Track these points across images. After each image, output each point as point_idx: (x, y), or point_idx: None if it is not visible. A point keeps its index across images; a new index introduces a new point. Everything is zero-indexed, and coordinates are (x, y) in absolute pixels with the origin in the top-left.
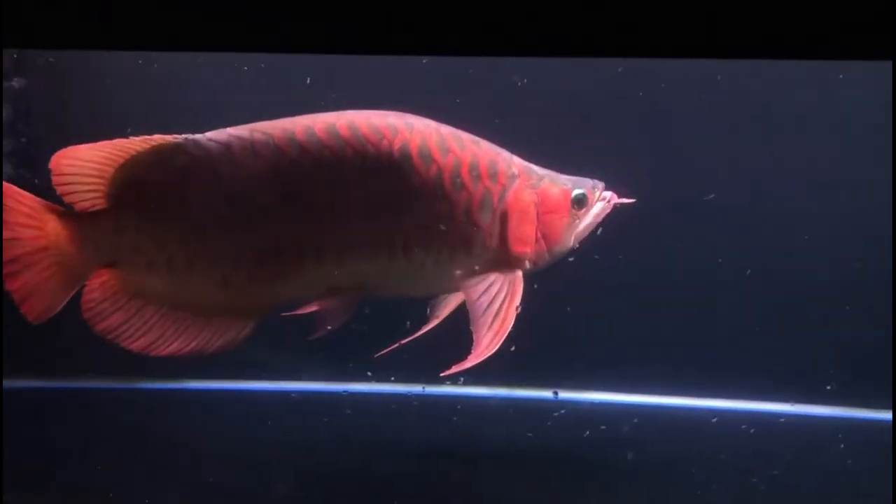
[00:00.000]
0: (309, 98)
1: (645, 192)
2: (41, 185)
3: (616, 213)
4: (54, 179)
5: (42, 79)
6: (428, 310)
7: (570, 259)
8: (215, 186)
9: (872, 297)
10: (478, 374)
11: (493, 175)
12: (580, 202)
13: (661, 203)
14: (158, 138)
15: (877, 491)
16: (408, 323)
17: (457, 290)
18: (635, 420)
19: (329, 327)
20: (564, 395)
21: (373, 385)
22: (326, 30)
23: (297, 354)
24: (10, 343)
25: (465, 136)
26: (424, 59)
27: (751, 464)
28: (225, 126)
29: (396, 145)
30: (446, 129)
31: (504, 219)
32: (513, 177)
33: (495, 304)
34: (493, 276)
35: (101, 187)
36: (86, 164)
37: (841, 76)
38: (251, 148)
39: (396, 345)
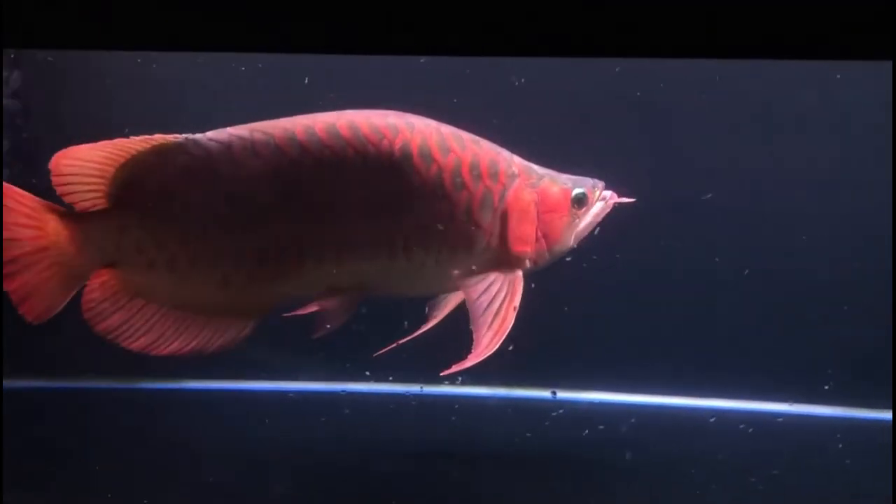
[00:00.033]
0: (307, 98)
1: (643, 192)
2: (39, 185)
3: (614, 212)
4: (54, 180)
5: (40, 77)
6: (427, 309)
7: (568, 259)
8: (216, 186)
9: (871, 297)
10: (476, 374)
11: (494, 174)
12: (580, 201)
13: (660, 203)
14: (159, 138)
15: (875, 491)
16: (406, 323)
17: (457, 289)
18: (633, 420)
19: (329, 327)
20: (563, 394)
21: (371, 385)
22: (326, 30)
23: (296, 354)
24: (9, 343)
25: (466, 136)
26: (422, 59)
27: (749, 463)
28: (223, 126)
29: (397, 145)
30: (447, 129)
31: (504, 218)
32: (513, 176)
33: (495, 303)
34: (493, 276)
35: (102, 187)
36: (86, 163)
37: (839, 76)
38: (252, 148)
39: (395, 344)
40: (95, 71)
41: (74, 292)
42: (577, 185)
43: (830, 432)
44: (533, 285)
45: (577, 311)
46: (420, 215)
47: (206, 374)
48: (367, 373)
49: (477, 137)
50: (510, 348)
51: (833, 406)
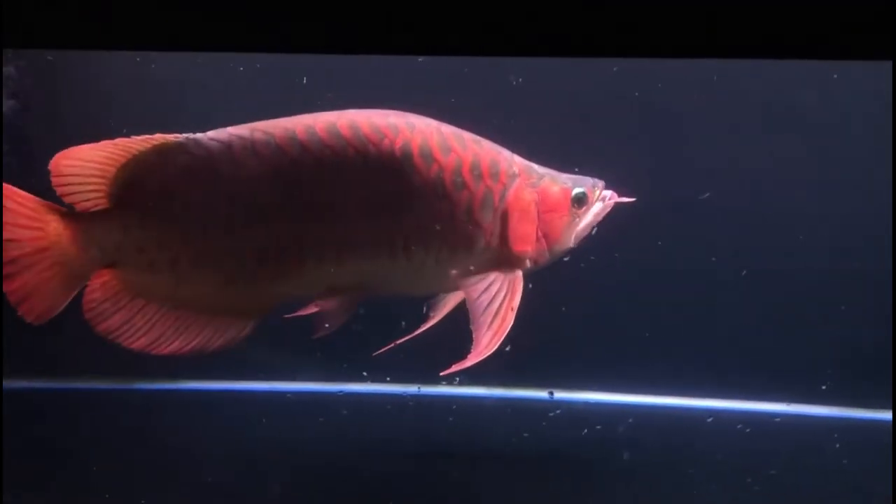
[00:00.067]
0: (305, 98)
1: (641, 192)
2: (38, 185)
3: (612, 212)
4: (54, 180)
5: (38, 77)
6: (425, 308)
7: (566, 259)
8: (217, 186)
9: (868, 297)
10: (473, 374)
11: (495, 174)
12: (580, 201)
13: (657, 203)
14: (160, 137)
15: (873, 490)
16: (403, 323)
17: (457, 289)
18: (631, 420)
19: (329, 327)
20: (560, 394)
21: (369, 385)
22: (326, 30)
23: (294, 355)
24: (9, 343)
25: (467, 136)
26: (420, 59)
27: (747, 463)
28: (222, 126)
29: (398, 145)
30: (447, 129)
31: (505, 218)
32: (514, 176)
33: (495, 303)
34: (493, 276)
35: (103, 187)
36: (87, 164)
37: (835, 76)
38: (252, 147)
39: (394, 344)
40: (94, 71)
41: (75, 293)
42: (577, 184)
43: (828, 432)
44: (530, 285)
45: (574, 312)
46: (421, 215)
47: (205, 374)
48: (365, 373)
49: (478, 137)
50: (507, 348)
51: (830, 406)
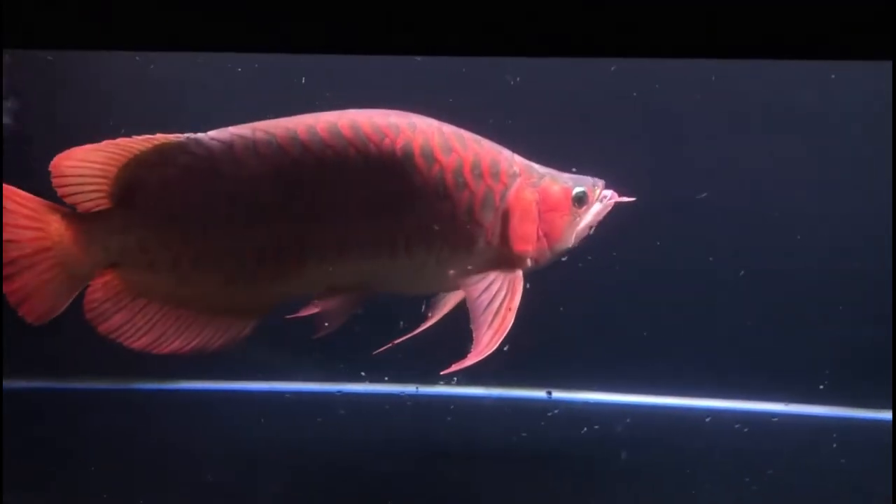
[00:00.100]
0: (304, 98)
1: (639, 191)
2: (37, 186)
3: (610, 212)
4: (55, 181)
5: (37, 77)
6: (423, 307)
7: (563, 259)
8: (218, 185)
9: (865, 296)
10: (471, 374)
11: (496, 174)
12: (581, 200)
13: (655, 202)
14: (161, 137)
15: (870, 490)
16: (401, 323)
17: (457, 288)
18: (629, 420)
19: (330, 326)
20: (558, 394)
21: (366, 385)
22: (326, 30)
23: (291, 355)
24: (9, 344)
25: (468, 135)
26: (418, 59)
27: (744, 463)
28: (220, 126)
29: (399, 145)
30: (448, 129)
31: (506, 217)
32: (514, 175)
33: (495, 302)
34: (493, 275)
35: (105, 187)
36: (89, 164)
37: (833, 76)
38: (254, 147)
39: (394, 343)
40: (93, 71)
41: (77, 293)
42: (577, 183)
43: (826, 432)
44: (528, 285)
45: (572, 312)
46: (422, 215)
47: (203, 374)
48: (363, 373)
49: (478, 137)
50: (505, 348)
51: (828, 406)
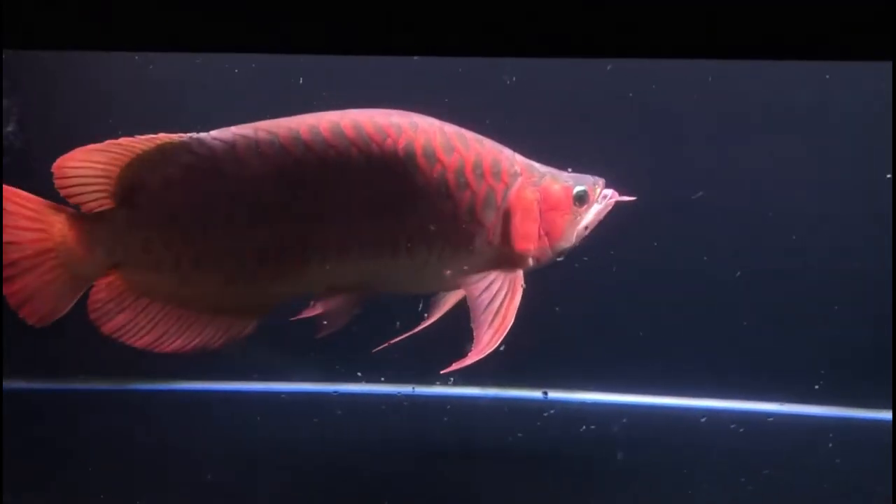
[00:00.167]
0: (301, 97)
1: (636, 191)
2: (36, 186)
3: (608, 212)
4: (58, 182)
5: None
6: (420, 307)
7: (560, 259)
8: (220, 185)
9: (861, 297)
10: (468, 374)
11: (497, 173)
12: (582, 199)
13: (652, 202)
14: (163, 137)
15: (866, 490)
16: (398, 323)
17: (458, 287)
18: (625, 420)
19: (332, 326)
20: (554, 394)
21: (363, 386)
22: (326, 30)
23: (288, 355)
24: (9, 344)
25: (469, 135)
26: (415, 59)
27: (740, 463)
28: (220, 126)
29: (401, 144)
30: (450, 128)
31: (507, 216)
32: (516, 175)
33: (496, 301)
34: (494, 275)
35: (108, 187)
36: (92, 164)
37: (828, 76)
38: (256, 147)
39: (394, 341)
40: (92, 71)
41: (80, 294)
42: (578, 182)
43: (821, 432)
44: (524, 285)
45: (568, 312)
46: (424, 214)
47: (201, 375)
48: (359, 374)
49: (480, 136)
50: (501, 349)
51: (824, 406)
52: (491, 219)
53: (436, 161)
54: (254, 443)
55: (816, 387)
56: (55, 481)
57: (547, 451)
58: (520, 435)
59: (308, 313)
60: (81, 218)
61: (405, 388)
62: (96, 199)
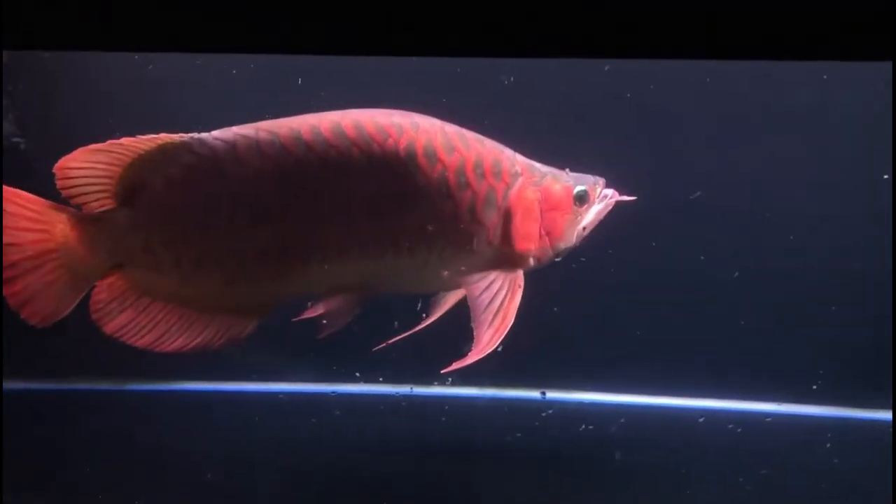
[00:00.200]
0: (300, 97)
1: (633, 191)
2: (37, 187)
3: (607, 212)
4: (60, 183)
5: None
6: (419, 306)
7: (558, 259)
8: (221, 185)
9: (859, 297)
10: (466, 375)
11: (498, 173)
12: (582, 199)
13: (651, 202)
14: (165, 137)
15: (864, 490)
16: (396, 323)
17: (458, 287)
18: (623, 420)
19: (333, 326)
20: (552, 395)
21: (361, 386)
22: (326, 30)
23: (285, 356)
24: (8, 344)
25: (470, 135)
26: (413, 59)
27: (738, 463)
28: (218, 126)
29: (402, 144)
30: (451, 128)
31: (508, 216)
32: (516, 175)
33: (496, 301)
34: (494, 274)
35: (109, 188)
36: (94, 165)
37: (825, 76)
38: (257, 147)
39: (394, 340)
40: (92, 71)
41: (83, 295)
42: (578, 182)
43: (819, 432)
44: (520, 285)
45: (566, 312)
46: (424, 214)
47: (199, 375)
48: (357, 374)
49: (481, 136)
50: (499, 349)
51: (821, 406)
52: (492, 218)
53: (437, 161)
54: (253, 443)
55: (814, 387)
56: (55, 481)
57: (545, 451)
58: (518, 435)
59: (310, 314)
60: (83, 218)
61: (403, 389)
62: (98, 199)
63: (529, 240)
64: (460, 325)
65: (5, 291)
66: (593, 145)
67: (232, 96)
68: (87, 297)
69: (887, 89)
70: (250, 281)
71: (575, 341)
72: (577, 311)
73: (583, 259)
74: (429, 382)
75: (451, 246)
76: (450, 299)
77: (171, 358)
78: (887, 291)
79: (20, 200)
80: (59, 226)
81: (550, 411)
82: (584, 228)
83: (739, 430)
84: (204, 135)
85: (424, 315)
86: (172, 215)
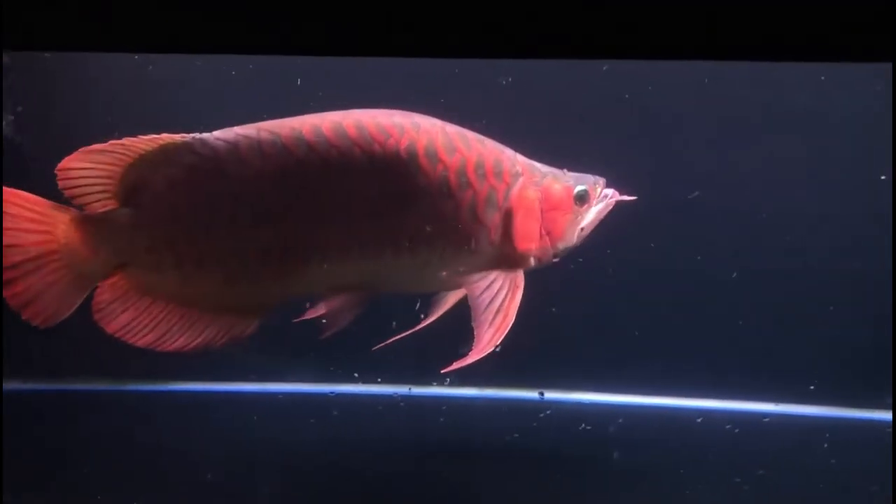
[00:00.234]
0: (300, 98)
1: (633, 191)
2: (36, 187)
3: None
4: (62, 183)
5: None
6: (417, 306)
7: (556, 259)
8: (223, 185)
9: (857, 297)
10: (464, 375)
11: (499, 173)
12: (582, 198)
13: (650, 203)
14: (166, 137)
15: (861, 489)
16: (394, 323)
17: (459, 287)
18: (621, 420)
19: (335, 326)
20: (550, 395)
21: (359, 386)
22: (326, 31)
23: (284, 356)
24: (9, 345)
25: (471, 135)
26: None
27: (735, 463)
28: (218, 126)
29: (403, 145)
30: (452, 128)
31: (509, 216)
32: (517, 175)
33: (497, 300)
34: (495, 274)
35: (112, 188)
36: (96, 165)
37: (822, 78)
38: (259, 147)
39: (394, 339)
40: (92, 72)
41: (86, 295)
42: (579, 182)
43: (816, 432)
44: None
45: (564, 312)
46: (425, 214)
47: (197, 376)
48: (356, 374)
49: (481, 137)
50: (497, 349)
51: (819, 406)
52: (493, 218)
53: (438, 161)
54: (251, 443)
55: (811, 387)
56: (55, 481)
57: (543, 451)
58: (516, 435)
59: (311, 314)
60: (86, 218)
61: (402, 389)
62: (100, 199)
63: (530, 239)
64: (458, 325)
65: (8, 292)
66: (593, 145)
67: (231, 96)
68: (88, 297)
69: (887, 89)
70: (252, 281)
71: (573, 342)
72: (577, 311)
73: (580, 260)
74: (427, 383)
75: (453, 246)
76: (450, 299)
77: (172, 357)
78: (885, 291)
79: (22, 201)
80: (62, 226)
81: (548, 412)
82: (584, 228)
83: (737, 430)
84: (206, 135)
85: (423, 315)
86: (174, 215)
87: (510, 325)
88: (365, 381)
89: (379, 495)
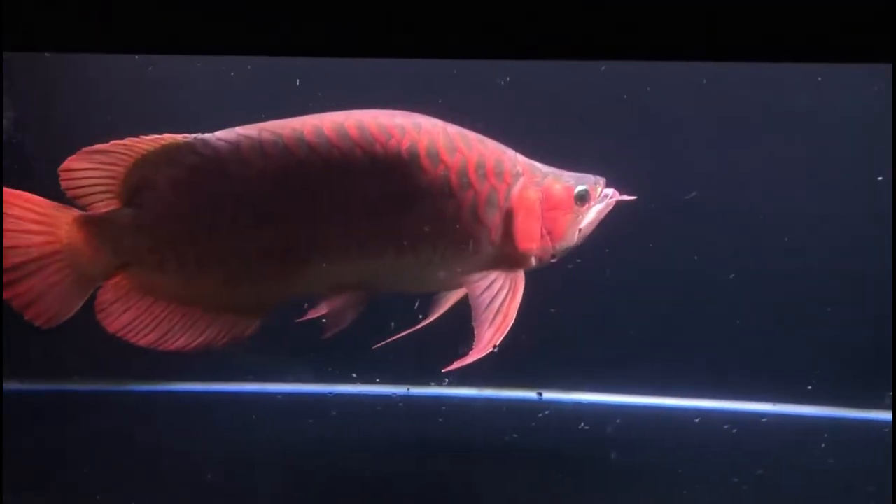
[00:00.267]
0: (299, 98)
1: (633, 191)
2: (36, 187)
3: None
4: (64, 183)
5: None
6: (416, 305)
7: (554, 259)
8: (224, 186)
9: (856, 297)
10: (463, 375)
11: (499, 174)
12: (583, 198)
13: (649, 203)
14: (168, 137)
15: (859, 489)
16: (392, 324)
17: (459, 286)
18: (619, 420)
19: (336, 326)
20: (549, 395)
21: (358, 386)
22: (326, 31)
23: (283, 356)
24: (8, 345)
25: (472, 136)
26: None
27: (734, 463)
28: (218, 127)
29: (405, 145)
30: (453, 129)
31: (510, 216)
32: (518, 175)
33: (497, 300)
34: (495, 274)
35: (114, 188)
36: (98, 165)
37: (819, 78)
38: (260, 147)
39: (394, 338)
40: (92, 72)
41: (88, 295)
42: (579, 182)
43: (814, 432)
44: None
45: (564, 312)
46: (427, 214)
47: (197, 376)
48: (354, 374)
49: (482, 137)
50: (495, 349)
51: (817, 406)
52: (493, 218)
53: (439, 161)
54: (251, 443)
55: (809, 387)
56: (55, 481)
57: (541, 451)
58: (515, 435)
59: (313, 314)
60: (88, 219)
61: (400, 389)
62: (102, 199)
63: (531, 239)
64: (457, 325)
65: (11, 293)
66: (593, 145)
67: (231, 97)
68: (89, 297)
69: (886, 89)
70: (254, 281)
71: (571, 342)
72: (576, 311)
73: (580, 260)
74: (426, 383)
75: (454, 246)
76: (450, 299)
77: (172, 357)
78: (884, 291)
79: (24, 202)
80: (64, 227)
81: (547, 412)
82: (585, 228)
83: (735, 430)
84: (207, 135)
85: (422, 315)
86: (176, 215)
87: (511, 325)
88: (364, 381)
89: (378, 495)
